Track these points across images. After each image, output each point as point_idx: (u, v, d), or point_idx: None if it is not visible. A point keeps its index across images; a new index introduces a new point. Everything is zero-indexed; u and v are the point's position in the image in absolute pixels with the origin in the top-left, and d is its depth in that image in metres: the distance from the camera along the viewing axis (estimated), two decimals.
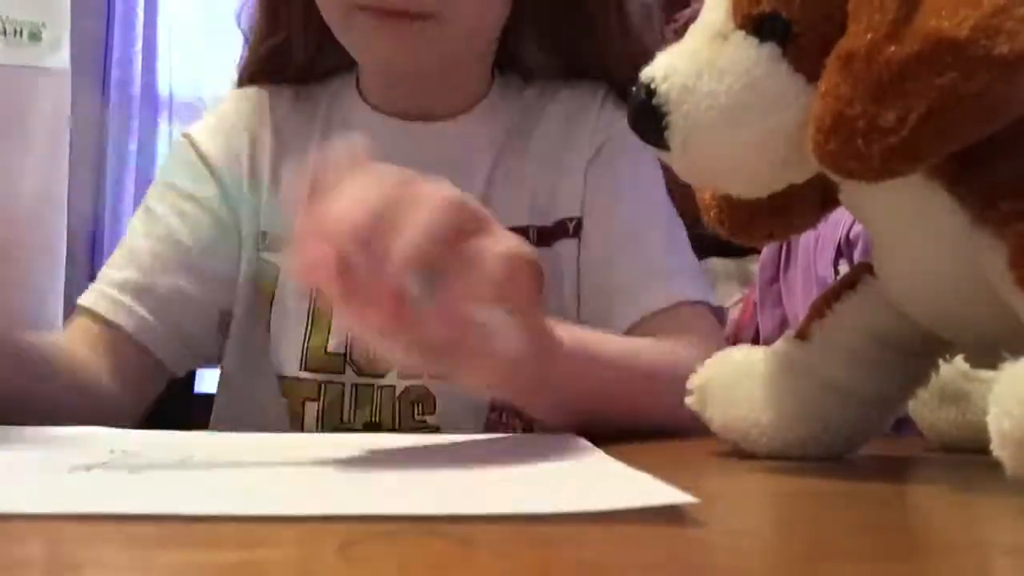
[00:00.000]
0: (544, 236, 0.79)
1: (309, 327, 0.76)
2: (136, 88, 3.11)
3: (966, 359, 0.52)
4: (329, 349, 0.75)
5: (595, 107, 0.82)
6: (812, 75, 0.41)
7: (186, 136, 0.82)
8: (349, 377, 0.75)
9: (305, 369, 0.76)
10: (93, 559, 0.26)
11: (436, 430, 0.74)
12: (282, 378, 0.77)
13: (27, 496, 0.34)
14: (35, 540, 0.28)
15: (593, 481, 0.40)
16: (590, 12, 0.80)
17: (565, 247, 0.79)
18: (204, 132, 0.82)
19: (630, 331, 0.74)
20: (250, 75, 0.85)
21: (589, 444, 0.49)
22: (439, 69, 0.77)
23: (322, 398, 0.75)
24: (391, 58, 0.75)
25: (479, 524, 0.31)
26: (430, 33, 0.71)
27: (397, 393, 0.75)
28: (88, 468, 0.40)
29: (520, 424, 0.75)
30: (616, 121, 0.81)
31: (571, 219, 0.79)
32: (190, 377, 0.99)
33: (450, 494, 0.36)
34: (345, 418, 0.75)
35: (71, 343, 0.71)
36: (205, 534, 0.29)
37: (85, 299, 0.74)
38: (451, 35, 0.73)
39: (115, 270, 0.75)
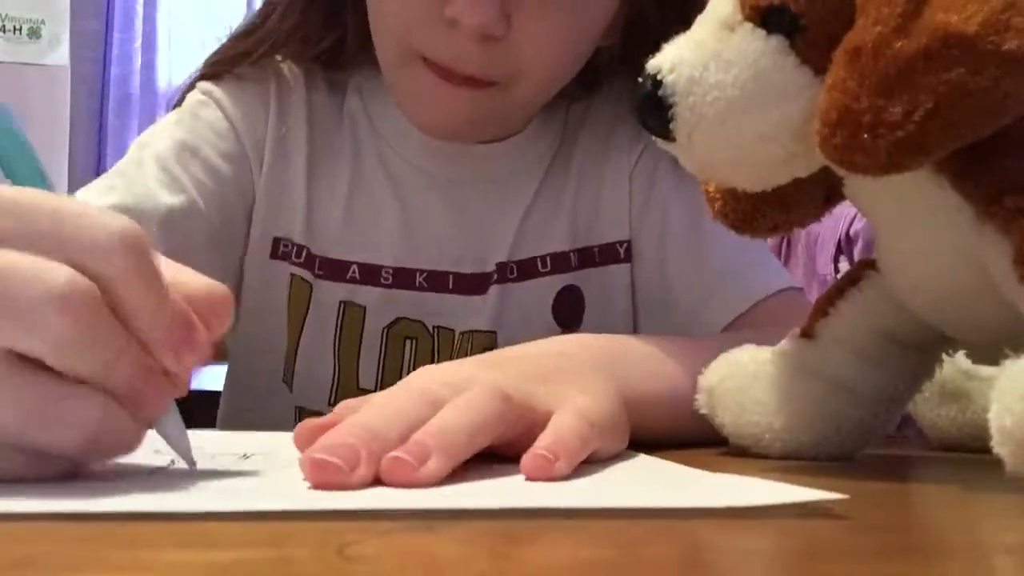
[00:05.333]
0: (587, 258, 0.75)
1: (337, 359, 0.72)
2: (136, 85, 3.12)
3: (968, 354, 0.52)
4: (360, 385, 0.72)
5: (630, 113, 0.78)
6: (819, 68, 0.41)
7: (209, 92, 0.72)
8: None
9: (334, 404, 0.70)
10: (93, 559, 0.26)
11: None
12: (304, 411, 0.73)
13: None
14: (35, 540, 0.28)
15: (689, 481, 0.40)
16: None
17: (617, 272, 0.75)
18: (233, 96, 0.72)
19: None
20: (277, 48, 0.73)
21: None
22: (495, 134, 0.72)
23: None
24: (446, 120, 0.67)
25: (479, 524, 0.31)
26: (492, 100, 0.66)
27: None
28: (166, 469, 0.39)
29: None
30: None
31: (621, 243, 0.75)
32: None
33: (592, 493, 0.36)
34: None
35: None
36: (205, 534, 0.29)
37: None
38: (515, 100, 0.67)
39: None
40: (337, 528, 0.30)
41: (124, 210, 0.61)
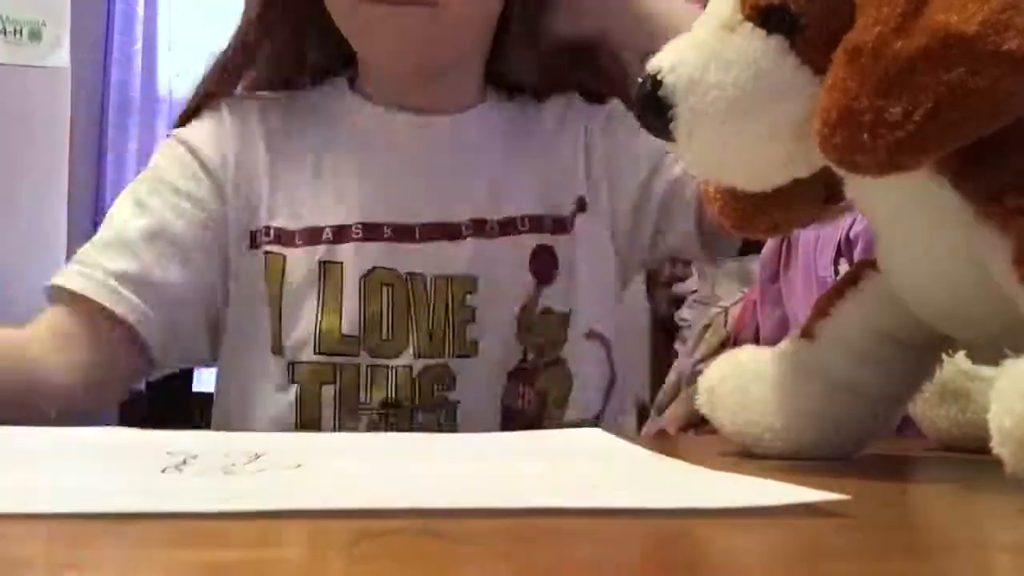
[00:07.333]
0: (561, 223, 0.81)
1: (320, 311, 0.77)
2: (136, 88, 3.11)
3: (968, 355, 0.52)
4: (343, 331, 0.76)
5: (581, 104, 0.85)
6: (819, 68, 0.41)
7: (175, 136, 0.82)
8: (364, 359, 0.76)
9: (319, 352, 0.76)
10: (93, 559, 0.26)
11: (456, 404, 0.76)
12: (295, 364, 0.77)
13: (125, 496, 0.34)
14: (35, 540, 0.28)
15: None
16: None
17: (580, 223, 0.82)
18: (195, 133, 0.81)
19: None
20: (225, 87, 0.83)
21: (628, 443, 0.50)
22: (440, 59, 0.79)
23: (338, 380, 0.76)
24: (395, 46, 0.77)
25: (479, 524, 0.31)
26: (430, 18, 0.74)
27: (415, 373, 0.76)
28: (179, 468, 0.40)
29: (532, 392, 0.78)
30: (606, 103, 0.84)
31: (577, 197, 0.82)
32: (187, 377, 0.99)
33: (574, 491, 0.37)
34: (362, 398, 0.76)
35: (40, 331, 0.72)
36: (205, 533, 0.29)
37: (75, 284, 0.73)
38: (450, 21, 0.75)
39: (107, 259, 0.74)
40: (337, 528, 0.30)
41: (107, 243, 0.75)
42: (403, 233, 0.78)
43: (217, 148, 0.80)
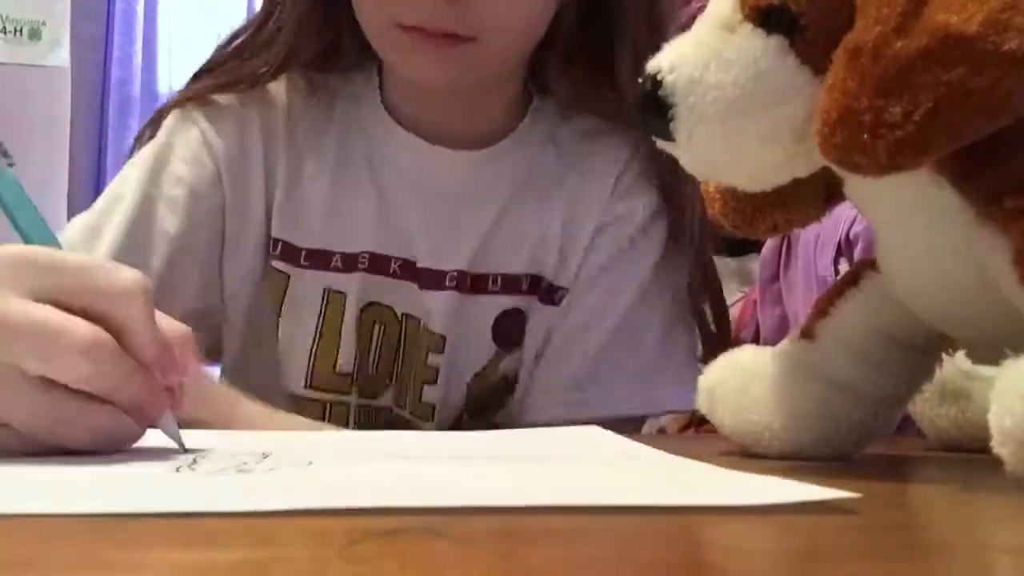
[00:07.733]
0: (536, 287, 0.77)
1: (316, 344, 0.75)
2: (136, 87, 3.12)
3: (968, 355, 0.52)
4: (338, 368, 0.74)
5: (615, 171, 0.79)
6: (819, 68, 0.41)
7: (185, 113, 0.77)
8: (353, 398, 0.75)
9: (310, 387, 0.75)
10: (93, 559, 0.26)
11: None
12: (295, 396, 0.75)
13: (130, 496, 0.35)
14: (35, 540, 0.28)
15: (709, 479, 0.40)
16: (609, 44, 0.77)
17: (543, 311, 0.77)
18: (211, 115, 0.76)
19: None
20: (273, 71, 0.77)
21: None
22: (474, 88, 0.76)
23: (327, 419, 0.75)
24: (428, 78, 0.73)
25: (481, 523, 0.31)
26: (469, 55, 0.70)
27: (392, 416, 0.75)
28: (191, 467, 0.40)
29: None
30: (639, 198, 0.78)
31: (558, 288, 0.77)
32: None
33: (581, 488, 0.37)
34: None
35: None
36: (205, 534, 0.29)
37: None
38: (489, 56, 0.72)
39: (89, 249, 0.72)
40: (337, 528, 0.30)
41: (90, 228, 0.73)
42: (408, 271, 0.75)
43: (236, 136, 0.76)
